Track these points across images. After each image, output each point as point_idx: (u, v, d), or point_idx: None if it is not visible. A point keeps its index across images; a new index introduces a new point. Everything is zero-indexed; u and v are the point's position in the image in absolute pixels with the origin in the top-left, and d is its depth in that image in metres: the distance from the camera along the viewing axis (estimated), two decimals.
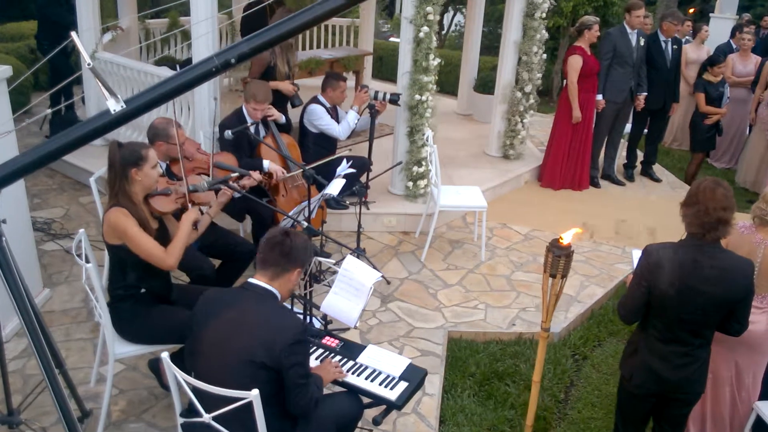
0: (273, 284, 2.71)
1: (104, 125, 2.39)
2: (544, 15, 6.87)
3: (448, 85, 10.73)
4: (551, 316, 2.89)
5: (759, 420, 3.46)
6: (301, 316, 3.76)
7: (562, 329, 4.75)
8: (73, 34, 2.46)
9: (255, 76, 5.49)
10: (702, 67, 7.36)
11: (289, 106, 5.86)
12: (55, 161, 2.82)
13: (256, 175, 4.46)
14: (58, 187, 6.45)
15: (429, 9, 5.48)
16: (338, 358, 3.12)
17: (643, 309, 2.92)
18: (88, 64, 2.19)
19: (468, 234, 6.04)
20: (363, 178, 5.68)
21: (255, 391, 2.46)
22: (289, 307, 3.93)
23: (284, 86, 5.64)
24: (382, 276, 3.28)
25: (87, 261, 3.41)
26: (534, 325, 4.74)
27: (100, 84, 2.26)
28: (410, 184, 6.01)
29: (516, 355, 4.48)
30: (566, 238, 2.70)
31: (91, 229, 5.47)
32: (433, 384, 4.07)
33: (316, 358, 3.12)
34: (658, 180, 7.63)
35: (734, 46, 8.78)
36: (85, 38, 6.36)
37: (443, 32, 16.70)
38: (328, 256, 5.27)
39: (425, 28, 5.55)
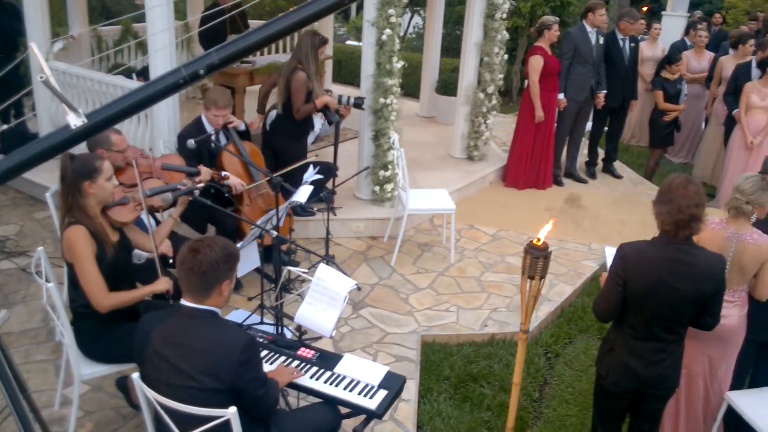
0: (206, 303, 2.56)
1: (64, 141, 2.27)
2: (504, 16, 6.91)
3: (408, 87, 10.72)
4: (530, 317, 2.87)
5: (730, 409, 3.51)
6: (273, 328, 3.68)
7: (534, 328, 4.76)
8: (33, 45, 2.34)
9: (301, 100, 5.21)
10: (660, 65, 7.50)
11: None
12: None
13: (206, 170, 4.33)
14: (12, 203, 6.22)
15: (391, 11, 5.46)
16: (315, 369, 3.05)
17: (619, 307, 2.93)
18: (41, 77, 2.08)
19: (436, 236, 6.02)
20: (329, 184, 5.62)
21: (233, 409, 2.40)
22: (259, 319, 3.84)
23: (331, 101, 5.38)
24: (357, 285, 3.20)
25: (47, 280, 3.28)
26: (506, 326, 4.75)
27: (58, 98, 2.15)
28: (377, 188, 5.96)
29: (489, 356, 4.47)
30: (542, 236, 2.68)
31: (48, 245, 5.27)
32: (409, 389, 4.03)
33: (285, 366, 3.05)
34: (619, 176, 7.75)
35: (688, 43, 8.98)
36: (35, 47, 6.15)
37: (402, 35, 16.73)
38: (297, 264, 5.19)
39: (388, 31, 5.52)
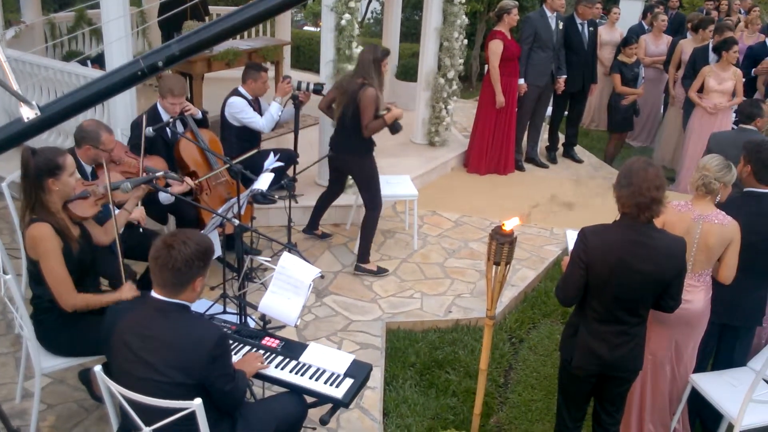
0: (178, 297, 2.51)
1: (17, 134, 2.16)
2: (463, 0, 6.88)
3: None
4: (496, 303, 2.87)
5: (694, 390, 3.57)
6: (236, 317, 3.61)
7: (498, 314, 4.78)
8: None
9: (370, 116, 4.79)
10: (617, 49, 7.58)
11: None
12: None
13: (189, 181, 4.30)
14: None
15: None
16: (280, 358, 3.01)
17: (581, 291, 2.95)
18: None
19: (399, 223, 6.00)
20: (290, 171, 5.54)
21: (198, 401, 2.35)
22: (222, 308, 3.78)
23: (399, 113, 4.97)
24: (321, 273, 3.16)
25: (4, 272, 3.17)
26: (470, 311, 4.76)
27: (6, 90, 2.04)
28: None
29: (454, 342, 4.47)
30: (508, 225, 2.67)
31: (5, 236, 5.10)
32: (375, 377, 3.99)
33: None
34: (580, 161, 7.82)
35: (646, 27, 9.07)
36: None
37: (360, 20, 16.60)
38: (259, 252, 5.11)
39: (347, 16, 5.45)
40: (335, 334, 4.40)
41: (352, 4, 5.43)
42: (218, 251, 4.06)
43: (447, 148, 7.37)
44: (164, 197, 4.27)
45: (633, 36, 7.65)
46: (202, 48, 2.34)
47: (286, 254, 3.22)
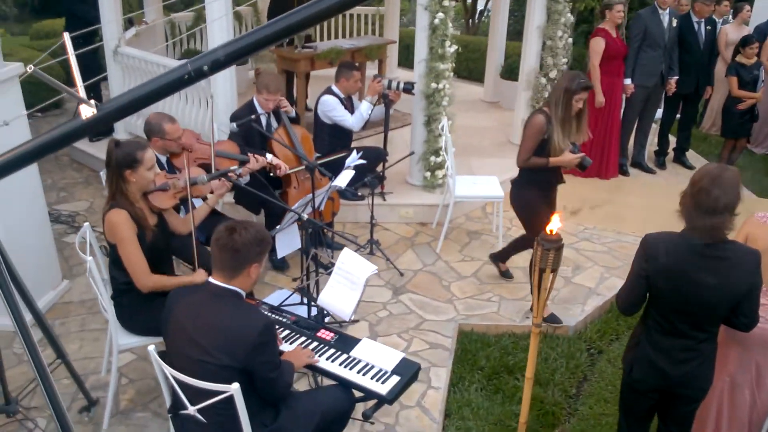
0: (232, 283, 2.64)
1: (75, 131, 2.37)
2: None
3: (477, 72, 10.59)
4: (542, 311, 2.79)
5: None
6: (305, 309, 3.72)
7: (578, 322, 4.62)
8: (65, 35, 2.44)
9: (529, 152, 4.26)
10: (735, 50, 7.05)
11: None
12: (34, 162, 2.81)
13: (260, 159, 4.44)
14: (84, 181, 6.58)
15: None
16: (332, 351, 3.08)
17: (641, 300, 2.81)
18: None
19: (487, 225, 5.93)
20: (379, 169, 5.63)
21: (236, 385, 2.46)
22: (299, 299, 3.89)
23: (568, 159, 4.32)
24: (377, 270, 3.20)
25: (91, 254, 3.46)
26: None
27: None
28: (428, 174, 5.93)
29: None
30: (554, 227, 2.60)
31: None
32: (440, 377, 4.02)
33: (303, 347, 3.09)
34: (691, 167, 7.35)
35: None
36: (107, 32, 6.46)
37: (476, 18, 16.47)
38: (340, 247, 5.23)
39: (440, 15, 5.45)
40: (407, 332, 4.44)
41: (446, 3, 5.43)
42: (298, 244, 4.21)
43: None
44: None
45: (755, 36, 7.07)
46: (246, 53, 2.44)
47: (345, 250, 3.30)
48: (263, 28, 2.35)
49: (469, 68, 11.36)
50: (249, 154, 4.51)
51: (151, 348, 2.69)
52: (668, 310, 2.74)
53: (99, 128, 2.42)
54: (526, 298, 4.85)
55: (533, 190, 4.42)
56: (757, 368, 3.25)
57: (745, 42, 6.91)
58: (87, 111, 2.27)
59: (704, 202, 2.55)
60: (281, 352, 2.97)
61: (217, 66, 2.32)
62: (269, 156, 4.74)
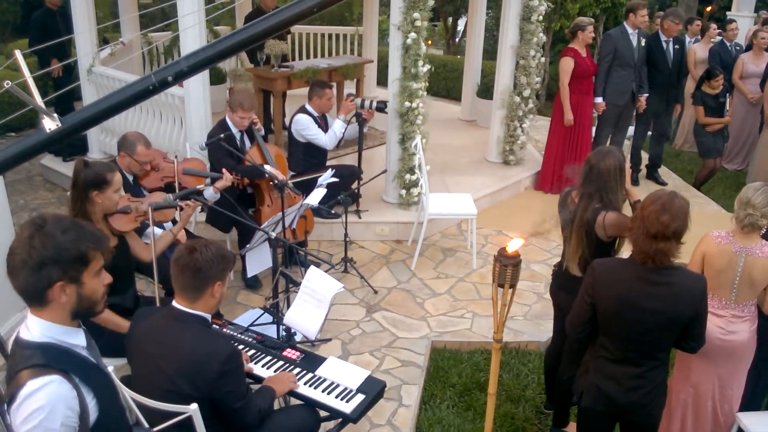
0: (195, 307, 2.58)
1: (40, 144, 2.37)
2: (540, 18, 6.77)
3: (455, 91, 10.68)
4: (503, 326, 2.81)
5: (740, 429, 3.33)
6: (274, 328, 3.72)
7: (550, 338, 4.63)
8: (17, 52, 2.45)
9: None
10: (700, 80, 7.17)
11: None
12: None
13: (227, 176, 4.43)
14: (57, 201, 6.54)
15: (416, 15, 5.44)
16: (297, 370, 3.08)
17: (587, 325, 2.84)
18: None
19: (462, 242, 5.96)
20: (354, 186, 5.65)
21: (194, 406, 2.44)
22: (271, 319, 3.87)
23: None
24: (343, 288, 3.21)
25: None
26: (521, 334, 4.65)
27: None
28: (403, 192, 5.95)
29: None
30: (511, 248, 2.62)
31: None
32: (411, 395, 4.01)
33: (275, 371, 3.08)
34: (663, 183, 7.45)
35: (728, 44, 8.53)
36: (81, 52, 6.47)
37: (456, 38, 16.65)
38: (317, 265, 5.23)
39: (413, 35, 5.51)
40: (379, 350, 4.43)
41: (418, 23, 5.48)
42: (269, 263, 4.20)
43: (522, 167, 7.25)
44: (209, 195, 4.39)
45: (717, 68, 7.19)
46: (209, 64, 2.46)
47: (312, 268, 3.30)
48: (223, 40, 2.38)
49: (448, 87, 11.47)
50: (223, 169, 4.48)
51: (110, 369, 2.66)
52: (616, 336, 2.76)
53: (63, 141, 2.41)
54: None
55: None
56: (719, 380, 3.29)
57: (709, 75, 7.01)
58: (50, 124, 2.27)
59: (653, 227, 2.57)
60: (261, 378, 2.95)
61: (181, 76, 2.34)
62: (267, 167, 4.70)
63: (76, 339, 2.05)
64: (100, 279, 2.02)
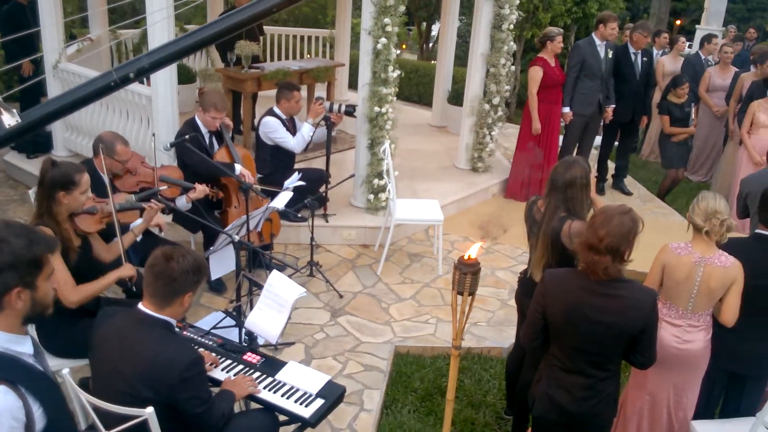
0: (162, 312, 2.56)
1: None
2: (511, 27, 6.85)
3: (427, 96, 10.74)
4: (461, 333, 2.83)
5: None
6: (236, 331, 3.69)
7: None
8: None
9: None
10: (666, 89, 7.31)
11: None
12: None
13: (201, 188, 4.43)
14: (20, 198, 6.43)
15: (387, 20, 5.46)
16: (257, 374, 3.06)
17: (541, 334, 2.88)
18: None
19: (428, 247, 5.99)
20: (322, 190, 5.65)
21: (149, 409, 2.41)
22: (234, 322, 3.84)
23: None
24: (305, 292, 3.20)
25: None
26: (483, 340, 4.69)
27: None
28: (371, 196, 5.97)
29: (462, 370, 4.41)
30: (472, 254, 2.65)
31: None
32: (373, 399, 4.02)
33: (235, 374, 3.07)
34: (629, 193, 7.58)
35: (703, 58, 8.73)
36: (48, 47, 6.36)
37: (430, 43, 16.73)
38: (283, 268, 5.22)
39: (383, 40, 5.53)
40: (342, 354, 4.43)
41: (388, 29, 5.51)
42: (232, 266, 4.18)
43: (490, 174, 7.31)
44: (181, 204, 4.40)
45: (684, 76, 7.33)
46: (171, 61, 2.46)
47: (274, 272, 3.29)
48: (185, 37, 2.38)
49: (419, 92, 11.53)
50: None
51: (65, 371, 2.63)
52: (567, 346, 2.80)
53: (23, 137, 2.39)
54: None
55: None
56: (675, 388, 3.35)
57: (675, 83, 7.14)
58: (9, 119, 2.24)
59: (590, 239, 2.62)
60: (220, 381, 2.93)
61: (143, 72, 2.33)
62: (237, 167, 4.68)
63: (23, 347, 2.02)
64: (51, 282, 2.00)
